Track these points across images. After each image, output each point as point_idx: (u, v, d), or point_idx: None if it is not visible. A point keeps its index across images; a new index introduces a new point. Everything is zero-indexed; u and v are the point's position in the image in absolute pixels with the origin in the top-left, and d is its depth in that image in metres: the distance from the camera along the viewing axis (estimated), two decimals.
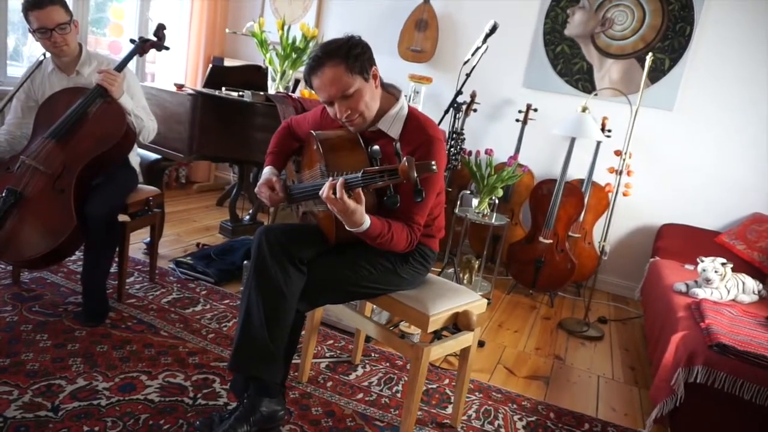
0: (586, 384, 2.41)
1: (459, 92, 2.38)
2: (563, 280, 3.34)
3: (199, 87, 3.35)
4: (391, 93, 1.63)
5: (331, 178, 1.37)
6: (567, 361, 2.60)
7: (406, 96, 1.68)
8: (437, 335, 2.03)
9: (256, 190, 1.70)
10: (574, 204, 3.29)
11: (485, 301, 1.80)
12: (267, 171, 1.75)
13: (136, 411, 1.67)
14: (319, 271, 1.56)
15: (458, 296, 1.73)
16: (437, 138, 1.56)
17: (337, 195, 1.32)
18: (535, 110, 3.68)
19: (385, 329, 1.74)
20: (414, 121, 1.60)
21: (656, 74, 3.49)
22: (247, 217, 3.63)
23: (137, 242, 3.05)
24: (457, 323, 1.66)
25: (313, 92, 3.25)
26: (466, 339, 1.75)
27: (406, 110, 1.62)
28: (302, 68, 3.30)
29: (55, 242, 1.90)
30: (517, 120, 3.71)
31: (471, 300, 1.75)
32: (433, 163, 1.25)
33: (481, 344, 2.58)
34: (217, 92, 2.82)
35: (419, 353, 1.59)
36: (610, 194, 2.98)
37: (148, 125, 2.26)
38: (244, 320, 1.49)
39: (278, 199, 1.67)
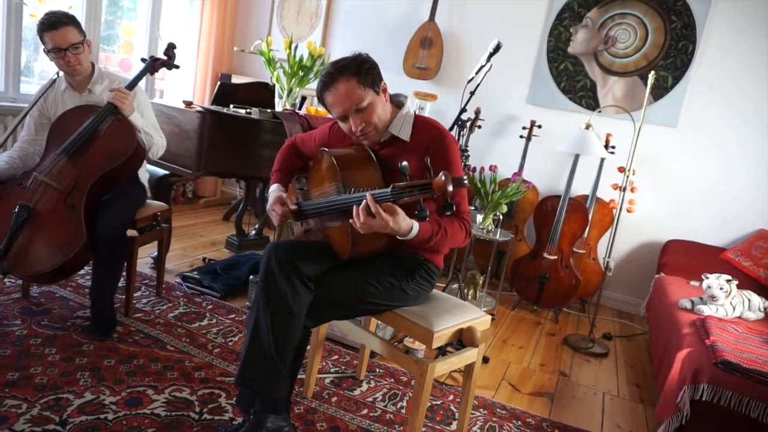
0: (591, 401, 2.40)
1: (463, 110, 2.41)
2: (568, 296, 3.34)
3: (207, 104, 3.40)
4: (397, 103, 1.70)
5: (351, 196, 1.41)
6: (572, 378, 2.60)
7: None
8: (442, 351, 2.04)
9: (267, 208, 1.73)
10: (579, 220, 3.30)
11: (489, 317, 1.81)
12: (275, 188, 1.79)
13: (143, 425, 1.69)
14: (326, 287, 1.58)
15: (462, 312, 1.74)
16: (446, 131, 1.64)
17: (373, 211, 1.34)
18: (539, 127, 3.71)
19: (389, 345, 1.76)
20: (421, 120, 1.68)
21: (659, 91, 3.52)
22: (253, 232, 3.66)
23: (144, 257, 3.09)
24: (462, 339, 1.67)
25: (319, 110, 3.32)
26: (471, 355, 1.76)
27: (413, 112, 1.69)
28: (309, 86, 3.38)
29: (65, 257, 1.93)
30: (521, 136, 3.74)
31: (475, 316, 1.76)
32: (464, 178, 1.32)
33: (485, 360, 2.58)
34: (225, 110, 2.86)
35: (424, 369, 1.60)
36: (614, 210, 2.99)
37: (157, 142, 2.30)
38: (252, 335, 1.50)
39: (287, 214, 1.70)
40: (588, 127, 2.93)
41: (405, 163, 1.32)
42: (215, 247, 3.63)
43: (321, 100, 1.61)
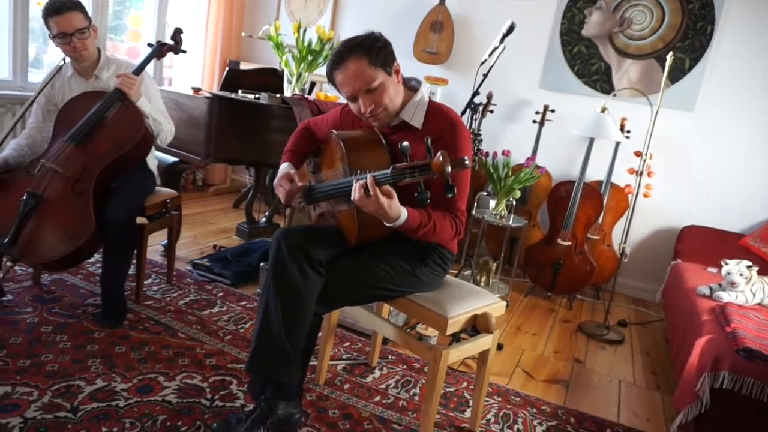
0: (606, 388, 2.36)
1: (476, 93, 2.36)
2: (582, 282, 3.29)
3: (215, 90, 3.36)
4: (411, 87, 1.64)
5: (356, 178, 1.36)
6: (587, 365, 2.56)
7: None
8: (456, 338, 2.01)
9: (274, 183, 1.70)
10: (593, 205, 3.24)
11: (504, 303, 1.77)
12: (285, 166, 1.76)
13: (154, 412, 1.68)
14: (337, 272, 1.55)
15: (477, 298, 1.71)
16: (459, 121, 1.58)
17: (371, 192, 1.31)
18: (553, 111, 3.64)
19: (402, 332, 1.73)
20: (435, 107, 1.62)
21: (676, 74, 3.43)
22: (264, 219, 3.64)
23: (155, 244, 3.08)
24: (476, 326, 1.64)
25: (329, 94, 3.28)
26: (485, 342, 1.73)
27: (427, 98, 1.63)
28: (318, 71, 3.33)
29: (74, 245, 1.92)
30: (534, 121, 3.67)
31: (490, 302, 1.73)
32: (466, 158, 1.25)
33: (499, 347, 2.55)
34: (233, 95, 2.82)
35: (437, 356, 1.57)
36: (630, 196, 2.93)
37: (165, 128, 2.28)
38: (262, 322, 1.48)
39: (295, 191, 1.67)
40: (604, 110, 2.86)
41: (406, 143, 1.29)
42: (225, 235, 3.61)
43: (331, 80, 1.56)
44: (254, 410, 1.60)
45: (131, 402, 1.71)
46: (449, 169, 1.22)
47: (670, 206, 3.53)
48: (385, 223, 1.42)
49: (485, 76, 2.33)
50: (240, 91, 2.87)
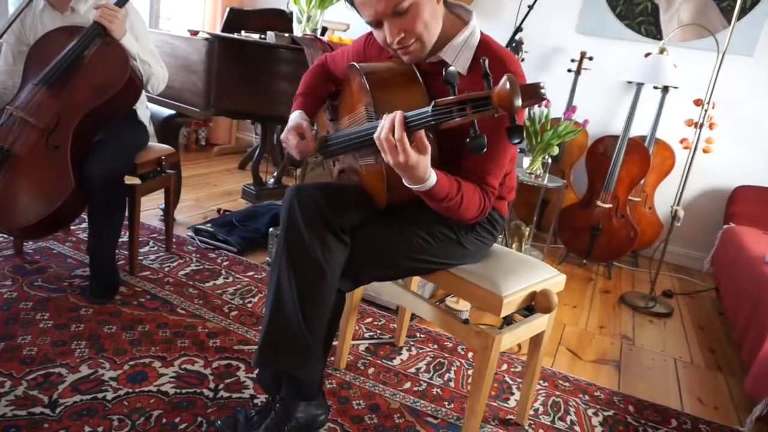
0: (662, 369, 2.09)
1: (518, 29, 2.00)
2: (623, 249, 2.99)
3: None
4: (457, 15, 1.26)
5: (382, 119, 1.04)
6: (636, 342, 2.28)
7: None
8: (507, 320, 1.71)
9: (282, 137, 1.37)
10: (638, 163, 2.91)
11: (563, 276, 1.48)
12: (295, 115, 1.42)
13: (148, 406, 1.41)
14: (364, 241, 1.24)
15: (533, 271, 1.41)
16: (520, 71, 1.21)
17: (396, 136, 0.98)
18: (590, 59, 3.27)
19: (441, 311, 1.43)
20: (488, 51, 1.22)
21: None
22: (272, 180, 3.34)
23: (153, 208, 2.79)
24: (534, 305, 1.34)
25: (343, 38, 2.91)
26: (541, 323, 1.44)
27: (477, 37, 1.25)
28: (331, 10, 2.95)
29: (51, 207, 1.63)
30: (570, 70, 3.30)
31: (548, 276, 1.43)
32: (542, 83, 0.88)
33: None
34: (235, 35, 2.47)
35: (489, 343, 1.29)
36: (687, 151, 2.59)
37: (157, 72, 1.95)
38: (273, 304, 1.18)
39: (308, 149, 1.35)
40: (662, 51, 2.48)
41: (452, 69, 0.94)
42: (230, 197, 3.32)
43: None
44: (267, 406, 1.33)
45: (121, 393, 1.44)
46: (519, 102, 0.87)
47: (719, 164, 3.17)
48: (405, 183, 1.10)
49: (531, 7, 1.96)
50: (243, 32, 2.52)
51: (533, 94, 0.88)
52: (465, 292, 1.35)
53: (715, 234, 2.97)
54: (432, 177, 1.08)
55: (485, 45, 1.25)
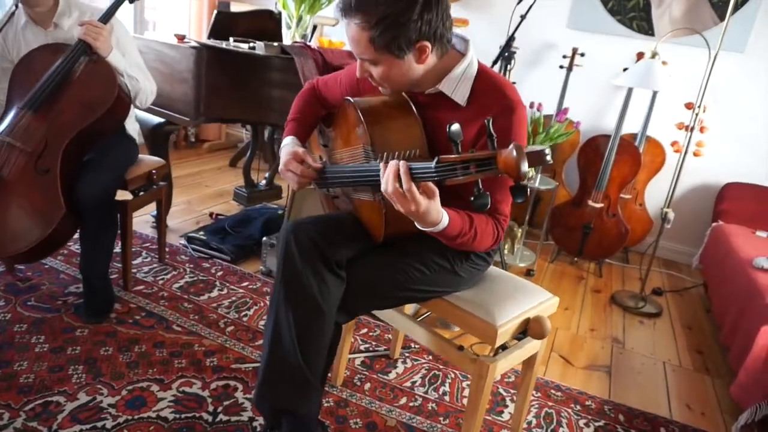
0: (652, 373, 2.13)
1: (511, 38, 1.98)
2: (614, 247, 3.02)
3: (204, 38, 2.95)
4: (454, 47, 1.25)
5: (381, 161, 1.04)
6: (627, 345, 2.32)
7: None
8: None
9: (281, 169, 1.36)
10: (630, 163, 2.92)
11: (557, 299, 1.49)
12: (289, 142, 1.40)
13: None
14: (361, 274, 1.25)
15: (526, 296, 1.42)
16: (519, 104, 1.20)
17: (405, 187, 0.98)
18: (582, 55, 3.25)
19: (437, 337, 1.45)
20: (487, 80, 1.23)
21: (725, 10, 3.00)
22: (263, 182, 3.32)
23: (144, 214, 2.77)
24: (528, 331, 1.36)
25: (333, 41, 2.86)
26: (534, 346, 1.46)
27: (475, 67, 1.24)
28: (321, 13, 2.90)
29: (43, 233, 1.61)
30: (561, 66, 3.28)
31: (542, 300, 1.44)
32: (547, 150, 0.88)
33: None
34: (224, 44, 2.43)
35: (484, 371, 1.31)
36: (678, 154, 2.60)
37: (145, 87, 1.92)
38: (272, 341, 1.20)
39: (310, 178, 1.34)
40: (654, 55, 2.48)
41: (456, 125, 0.93)
42: (222, 199, 3.30)
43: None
44: (265, 430, 1.35)
45: (120, 421, 1.45)
46: (525, 167, 0.86)
47: (709, 161, 3.19)
48: (419, 227, 1.11)
49: (523, 17, 1.95)
50: (232, 39, 2.48)
51: (538, 160, 0.88)
52: (460, 320, 1.36)
53: (705, 230, 3.00)
54: (444, 219, 1.09)
55: (482, 74, 1.25)
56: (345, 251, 1.24)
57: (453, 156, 0.93)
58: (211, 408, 1.56)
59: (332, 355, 1.32)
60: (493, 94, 1.20)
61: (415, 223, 1.10)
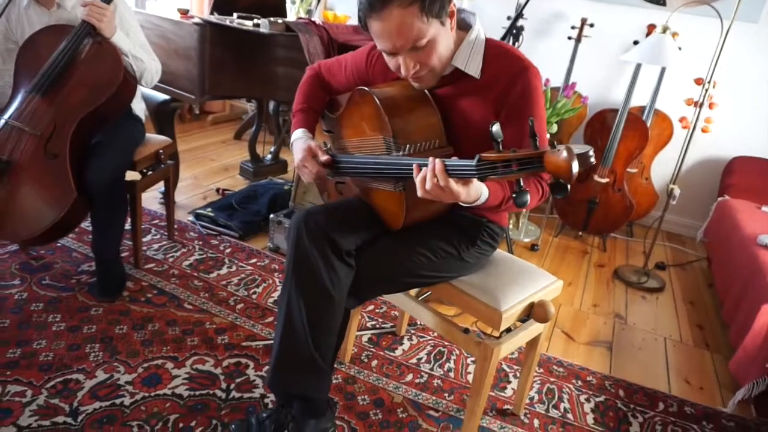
0: (652, 349, 2.18)
1: (519, 14, 1.95)
2: (619, 222, 3.04)
3: (206, 14, 2.91)
4: (462, 25, 1.25)
5: (401, 153, 1.06)
6: (629, 321, 2.36)
7: None
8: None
9: (296, 165, 1.37)
10: (637, 137, 2.90)
11: (560, 282, 1.52)
12: (301, 136, 1.41)
13: (164, 410, 1.49)
14: (369, 262, 1.28)
15: (531, 281, 1.45)
16: (531, 65, 1.21)
17: (442, 184, 0.99)
18: (591, 26, 3.18)
19: (444, 320, 1.49)
20: (495, 48, 1.24)
21: None
22: (269, 156, 3.32)
23: (152, 190, 2.79)
24: (532, 315, 1.40)
25: (338, 14, 2.82)
26: (537, 328, 1.50)
27: (483, 38, 1.24)
28: None
29: (55, 216, 1.64)
30: (570, 37, 3.22)
31: (547, 284, 1.47)
32: (591, 152, 0.84)
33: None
34: (228, 21, 2.39)
35: (488, 353, 1.35)
36: (686, 130, 2.58)
37: (150, 67, 1.91)
38: (284, 328, 1.24)
39: (323, 173, 1.36)
40: (665, 30, 2.43)
41: (497, 126, 0.93)
42: (228, 174, 3.32)
43: (363, 23, 1.16)
44: (277, 410, 1.40)
45: (137, 398, 1.51)
46: (576, 169, 0.82)
47: (716, 134, 3.16)
48: (461, 203, 1.10)
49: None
50: (235, 15, 2.44)
51: (587, 162, 0.84)
52: (465, 305, 1.40)
53: (710, 204, 3.00)
54: (483, 193, 1.09)
55: (491, 44, 1.25)
56: (354, 239, 1.27)
57: (494, 155, 0.93)
58: (224, 385, 1.62)
59: (341, 337, 1.36)
60: (504, 60, 1.21)
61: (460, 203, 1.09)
